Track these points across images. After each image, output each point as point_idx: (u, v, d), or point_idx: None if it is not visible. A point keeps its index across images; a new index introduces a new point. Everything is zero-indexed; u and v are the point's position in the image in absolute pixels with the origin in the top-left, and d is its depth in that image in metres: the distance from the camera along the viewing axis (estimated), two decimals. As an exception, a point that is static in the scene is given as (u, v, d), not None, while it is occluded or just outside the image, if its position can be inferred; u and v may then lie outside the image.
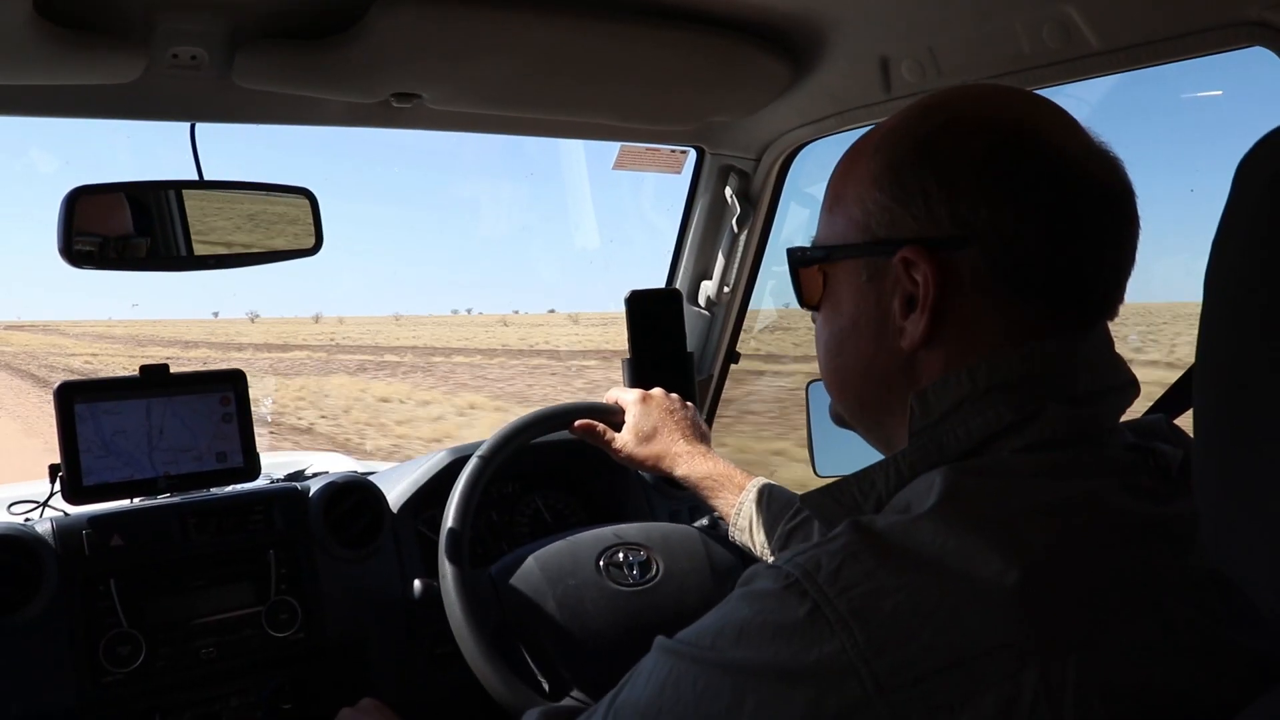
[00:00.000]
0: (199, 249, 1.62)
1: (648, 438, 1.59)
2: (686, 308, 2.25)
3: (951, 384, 0.81)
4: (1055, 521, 0.70)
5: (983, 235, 0.79)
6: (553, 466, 2.11)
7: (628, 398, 1.64)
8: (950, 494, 0.71)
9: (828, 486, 0.87)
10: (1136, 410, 0.92)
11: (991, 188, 0.79)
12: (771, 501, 1.51)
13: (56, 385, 1.60)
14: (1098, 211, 0.80)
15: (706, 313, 2.31)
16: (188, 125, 1.61)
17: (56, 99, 1.48)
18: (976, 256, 0.79)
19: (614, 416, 1.64)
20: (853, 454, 1.94)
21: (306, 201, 1.68)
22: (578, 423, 1.63)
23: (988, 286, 0.80)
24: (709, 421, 2.32)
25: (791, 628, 0.68)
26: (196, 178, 1.60)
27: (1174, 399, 1.40)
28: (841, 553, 0.70)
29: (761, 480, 1.55)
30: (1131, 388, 0.84)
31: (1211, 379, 0.60)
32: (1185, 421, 1.01)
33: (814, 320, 0.97)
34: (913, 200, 0.82)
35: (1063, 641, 0.64)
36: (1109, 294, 0.84)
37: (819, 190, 2.24)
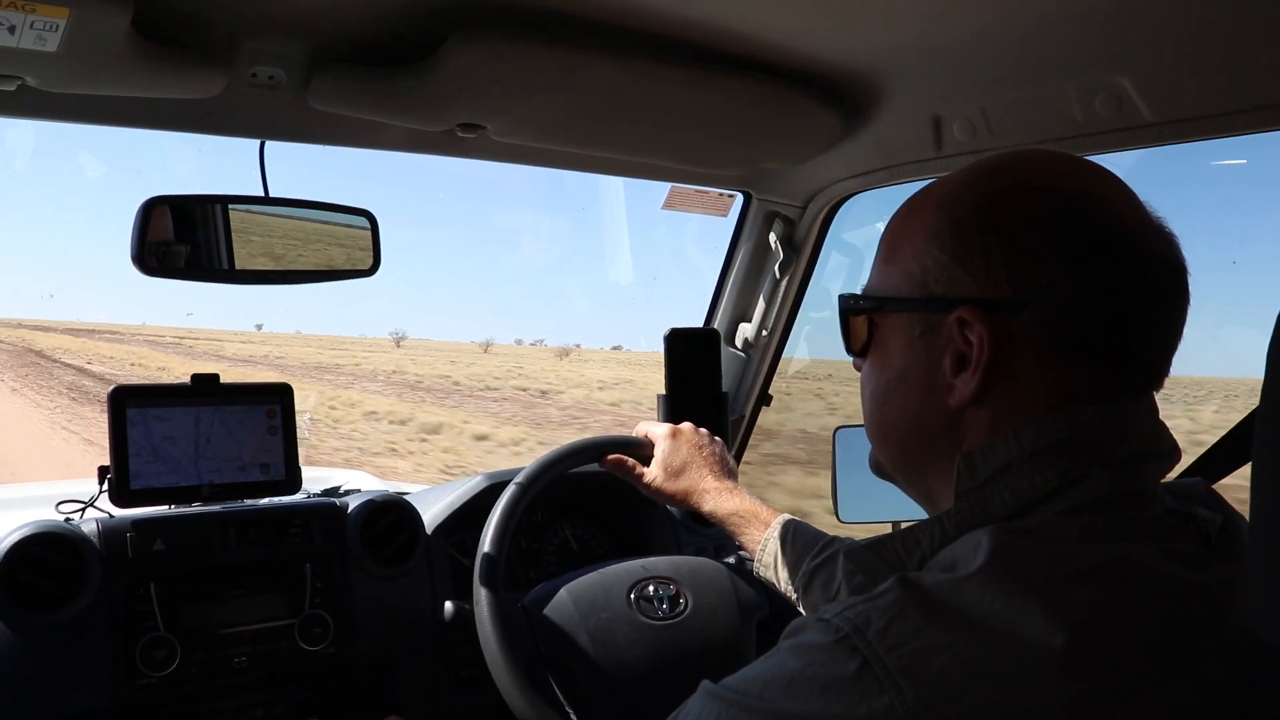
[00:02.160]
0: (248, 263, 1.65)
1: (676, 473, 1.61)
2: (723, 348, 2.28)
3: (999, 447, 0.82)
4: (1098, 585, 0.71)
5: (1040, 300, 0.80)
6: (581, 498, 2.14)
7: (657, 432, 1.66)
8: (996, 555, 0.72)
9: (871, 542, 0.88)
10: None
11: (1052, 254, 0.80)
12: (796, 539, 1.52)
13: (111, 389, 1.64)
14: (1152, 283, 0.81)
15: (743, 354, 2.34)
16: (258, 142, 1.65)
17: (138, 111, 1.52)
18: (1032, 320, 0.80)
19: (643, 450, 1.66)
20: (876, 501, 1.96)
21: (367, 222, 1.72)
22: (608, 456, 1.65)
23: (1040, 350, 0.81)
24: (738, 460, 2.34)
25: (841, 682, 0.69)
26: (262, 193, 1.64)
27: (1211, 462, 1.41)
28: (891, 609, 0.71)
29: (786, 517, 1.56)
30: (1173, 453, 0.85)
31: (1272, 449, 0.62)
32: (1221, 486, 1.03)
33: (858, 368, 0.98)
34: (972, 260, 0.83)
35: (1104, 702, 0.66)
36: (1157, 364, 0.84)
37: (860, 239, 2.28)
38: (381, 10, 1.36)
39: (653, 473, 1.62)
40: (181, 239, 1.59)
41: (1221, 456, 1.38)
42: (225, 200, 1.61)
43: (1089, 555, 0.73)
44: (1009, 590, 0.70)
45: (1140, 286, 0.81)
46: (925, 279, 0.86)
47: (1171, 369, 0.85)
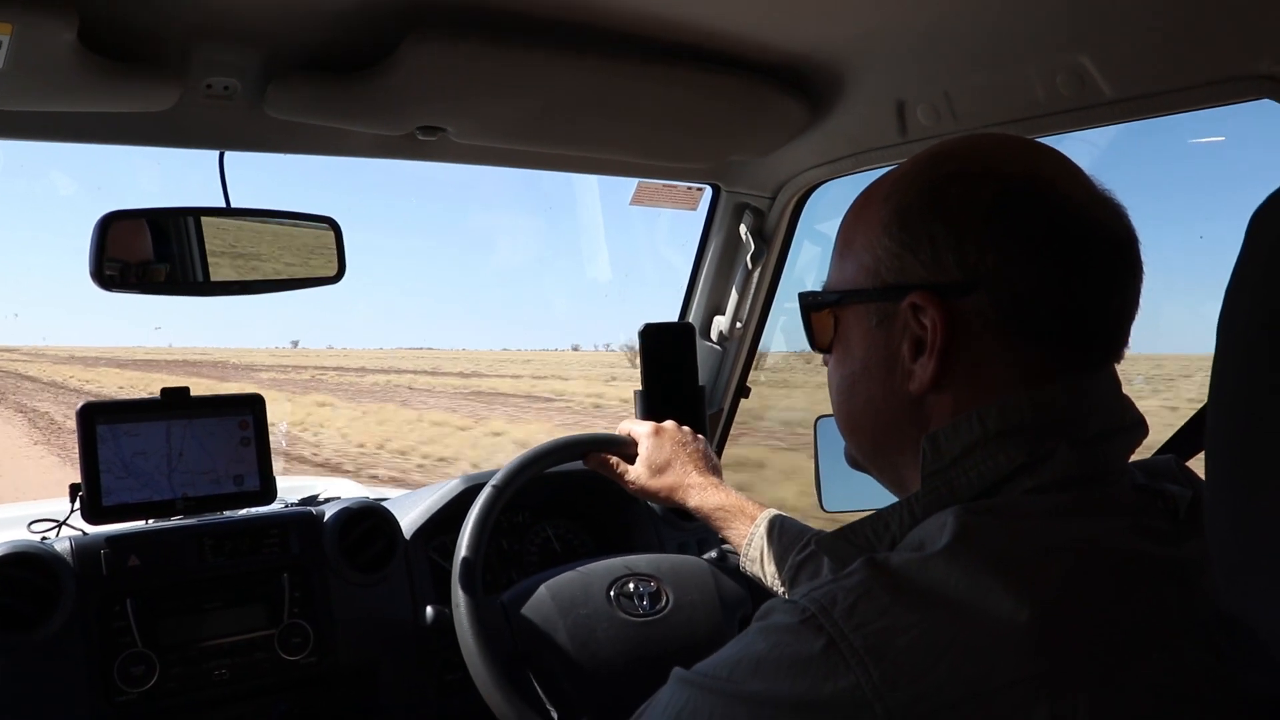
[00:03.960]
0: (219, 274, 1.65)
1: (660, 469, 1.60)
2: (699, 342, 2.27)
3: (963, 428, 0.82)
4: (1065, 561, 0.71)
5: (989, 281, 0.81)
6: (563, 497, 2.13)
7: (640, 430, 1.65)
8: (962, 533, 0.73)
9: (841, 530, 0.88)
10: (1149, 447, 0.93)
11: (998, 235, 0.81)
12: (782, 533, 1.52)
13: (79, 406, 1.63)
14: (1103, 257, 0.82)
15: (719, 347, 2.33)
16: (217, 153, 1.64)
17: (91, 126, 1.51)
18: (983, 301, 0.81)
19: (627, 448, 1.65)
20: (859, 489, 1.96)
21: (330, 230, 1.72)
22: (590, 455, 1.65)
23: (995, 331, 0.82)
24: (718, 454, 2.34)
25: (807, 661, 0.69)
26: (223, 205, 1.63)
27: (1184, 440, 1.41)
28: (857, 589, 0.71)
29: (772, 512, 1.56)
30: (1139, 428, 0.86)
31: (1224, 424, 0.62)
32: (1195, 463, 1.03)
33: (825, 363, 0.99)
34: (920, 247, 0.84)
35: (1073, 679, 0.66)
36: (1114, 337, 0.85)
37: (831, 229, 2.28)
38: (334, 16, 1.35)
39: (637, 470, 1.62)
40: (142, 253, 1.58)
41: (1193, 435, 1.38)
42: (186, 213, 1.61)
43: (1056, 533, 0.74)
44: (975, 567, 0.70)
45: (1088, 262, 0.81)
46: (878, 268, 0.87)
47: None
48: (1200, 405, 1.46)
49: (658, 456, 1.61)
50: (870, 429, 0.93)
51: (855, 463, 1.01)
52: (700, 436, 1.68)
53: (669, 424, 1.67)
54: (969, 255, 0.81)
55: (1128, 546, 0.75)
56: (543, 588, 1.57)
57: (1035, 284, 0.80)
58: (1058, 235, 0.81)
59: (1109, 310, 0.84)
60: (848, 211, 0.95)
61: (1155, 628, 0.71)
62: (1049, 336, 0.82)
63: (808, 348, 1.01)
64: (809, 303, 0.97)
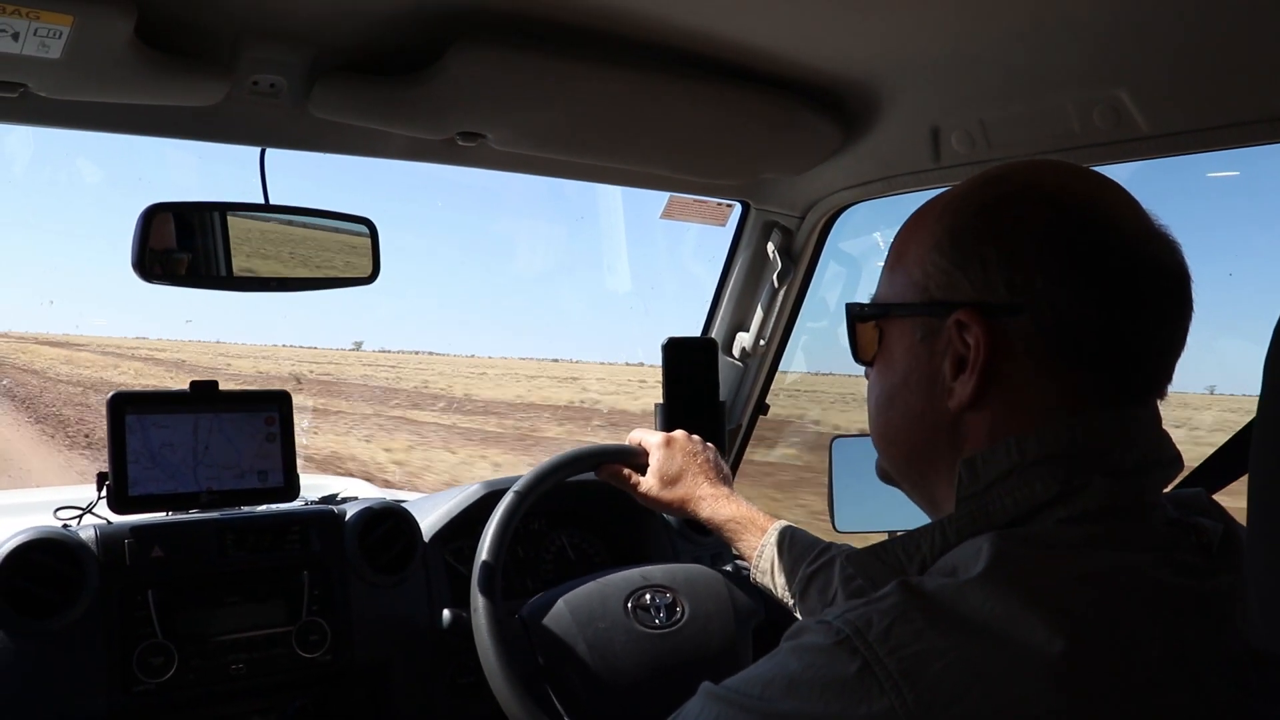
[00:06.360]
0: (254, 270, 1.66)
1: (672, 481, 1.60)
2: (721, 358, 2.28)
3: (1000, 453, 0.82)
4: (1099, 593, 0.72)
5: (1037, 304, 0.81)
6: (578, 506, 2.14)
7: (651, 440, 1.65)
8: (997, 561, 0.73)
9: (873, 547, 0.88)
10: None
11: (1050, 260, 0.81)
12: (793, 545, 1.52)
13: (109, 395, 1.64)
14: (1153, 290, 0.82)
15: (740, 364, 2.34)
16: (258, 150, 1.65)
17: (138, 118, 1.52)
18: (1029, 324, 0.81)
19: (637, 459, 1.65)
20: (873, 511, 1.97)
21: (367, 230, 1.72)
22: (603, 466, 1.65)
23: (1038, 354, 0.82)
24: (734, 470, 2.34)
25: (841, 683, 0.69)
26: (262, 201, 1.64)
27: (1212, 472, 1.41)
28: (892, 612, 0.71)
29: (783, 524, 1.56)
30: (1175, 463, 0.85)
31: (1268, 460, 0.62)
32: (1222, 496, 1.03)
33: (866, 375, 1.00)
34: (970, 265, 0.84)
35: (1105, 710, 0.66)
36: (1158, 372, 0.85)
37: (857, 250, 2.28)
38: (382, 19, 1.36)
39: (648, 481, 1.62)
40: (181, 246, 1.59)
41: (1221, 467, 1.38)
42: (225, 207, 1.62)
43: (1090, 563, 0.74)
44: (1009, 595, 0.70)
45: (1138, 294, 0.82)
46: (927, 284, 0.88)
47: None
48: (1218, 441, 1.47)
49: (669, 468, 1.61)
50: (905, 443, 0.94)
51: (886, 476, 1.01)
52: (710, 445, 1.68)
53: (679, 434, 1.66)
54: (1017, 277, 0.82)
55: (1160, 579, 0.75)
56: (560, 602, 1.58)
57: (1081, 310, 0.80)
58: (1108, 265, 0.81)
59: (1155, 343, 0.84)
60: (902, 227, 0.95)
61: (1185, 660, 0.71)
62: (1092, 364, 0.82)
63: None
64: (855, 314, 0.97)
